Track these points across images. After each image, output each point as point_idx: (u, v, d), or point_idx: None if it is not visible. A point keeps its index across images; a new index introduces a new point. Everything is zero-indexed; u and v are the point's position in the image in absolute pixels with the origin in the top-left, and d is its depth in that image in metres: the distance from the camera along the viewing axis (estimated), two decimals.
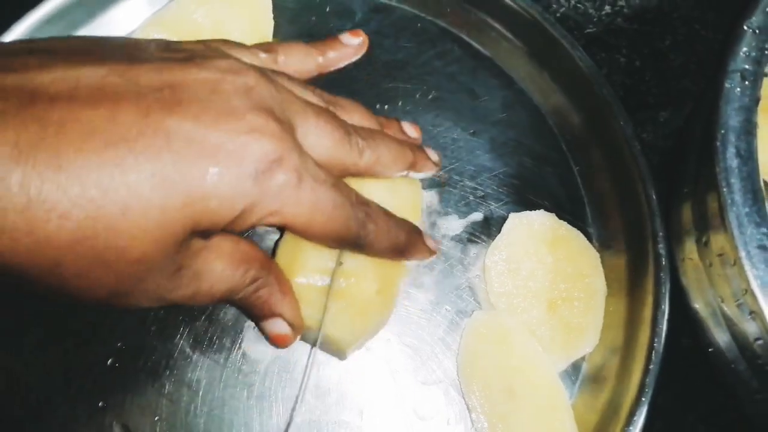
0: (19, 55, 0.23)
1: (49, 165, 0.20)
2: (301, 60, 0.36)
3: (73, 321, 0.36)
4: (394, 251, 0.33)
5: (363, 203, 0.30)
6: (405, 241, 0.33)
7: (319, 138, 0.29)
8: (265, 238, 0.37)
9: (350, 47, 0.40)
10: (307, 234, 0.29)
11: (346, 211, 0.29)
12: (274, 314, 0.30)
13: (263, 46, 0.34)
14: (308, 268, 0.31)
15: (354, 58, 0.40)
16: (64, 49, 0.24)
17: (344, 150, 0.30)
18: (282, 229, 0.31)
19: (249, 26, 0.41)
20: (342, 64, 0.40)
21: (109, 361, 0.35)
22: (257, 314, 0.30)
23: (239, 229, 0.26)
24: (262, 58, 0.33)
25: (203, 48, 0.28)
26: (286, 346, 0.32)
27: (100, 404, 0.34)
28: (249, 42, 0.41)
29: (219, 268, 0.27)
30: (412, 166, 0.36)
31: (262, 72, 0.27)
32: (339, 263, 0.31)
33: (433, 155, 0.38)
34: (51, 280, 0.22)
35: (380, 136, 0.34)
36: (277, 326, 0.30)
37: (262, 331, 0.31)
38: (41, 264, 0.21)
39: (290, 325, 0.30)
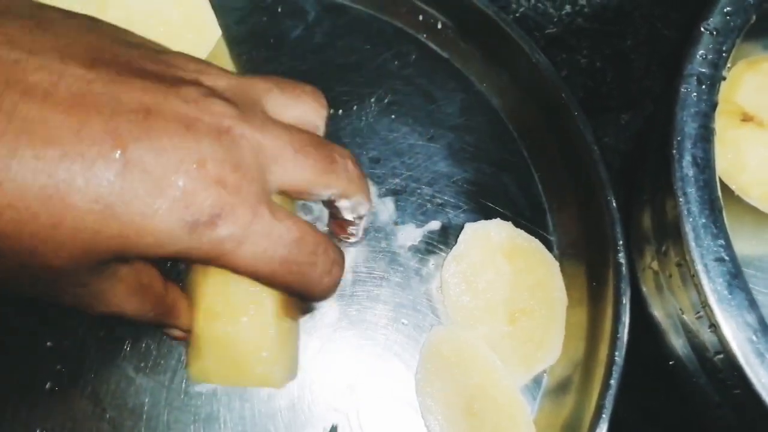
0: (8, 17, 0.22)
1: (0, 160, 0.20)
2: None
3: (9, 340, 0.34)
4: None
5: (318, 243, 0.27)
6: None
7: (297, 172, 0.27)
8: None
9: None
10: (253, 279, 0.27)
11: (299, 266, 0.26)
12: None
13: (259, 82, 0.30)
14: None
15: None
16: (60, 32, 0.23)
17: (326, 179, 0.28)
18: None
19: (192, 34, 0.39)
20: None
21: (48, 385, 0.34)
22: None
23: (167, 258, 0.25)
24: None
25: (193, 70, 0.26)
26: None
27: (38, 431, 0.33)
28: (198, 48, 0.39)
29: (119, 294, 0.25)
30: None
31: (241, 114, 0.25)
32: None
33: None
34: None
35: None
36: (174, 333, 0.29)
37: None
38: None
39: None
